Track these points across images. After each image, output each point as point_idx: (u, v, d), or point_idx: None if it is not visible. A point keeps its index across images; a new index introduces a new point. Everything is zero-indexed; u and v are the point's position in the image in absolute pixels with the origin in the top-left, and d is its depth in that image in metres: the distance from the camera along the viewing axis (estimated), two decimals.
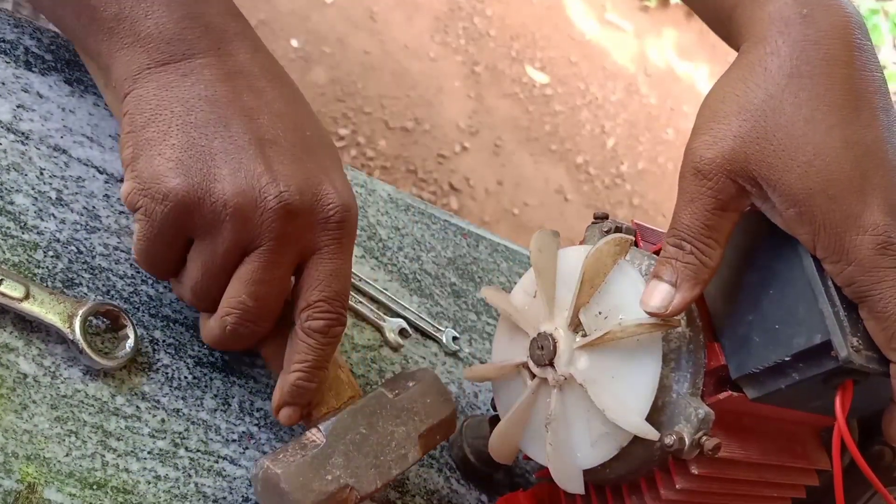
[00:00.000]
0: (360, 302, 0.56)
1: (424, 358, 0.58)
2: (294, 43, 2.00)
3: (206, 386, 0.46)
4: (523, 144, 2.28)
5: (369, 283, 0.58)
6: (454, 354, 0.60)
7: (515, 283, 0.50)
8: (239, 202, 0.40)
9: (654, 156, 2.57)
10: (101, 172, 0.49)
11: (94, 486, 0.41)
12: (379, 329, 0.57)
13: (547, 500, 0.51)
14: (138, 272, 0.47)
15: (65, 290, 0.44)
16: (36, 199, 0.46)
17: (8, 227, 0.44)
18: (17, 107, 0.48)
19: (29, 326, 0.42)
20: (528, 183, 2.21)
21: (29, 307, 0.41)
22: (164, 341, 0.46)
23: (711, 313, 0.44)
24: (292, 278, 0.44)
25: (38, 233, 0.45)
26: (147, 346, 0.45)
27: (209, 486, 0.44)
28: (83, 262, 0.46)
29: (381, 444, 0.44)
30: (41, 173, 0.47)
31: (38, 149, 0.47)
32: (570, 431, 0.44)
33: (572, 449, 0.44)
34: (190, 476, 0.44)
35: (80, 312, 0.42)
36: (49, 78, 0.50)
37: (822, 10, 0.39)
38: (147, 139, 0.41)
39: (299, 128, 0.44)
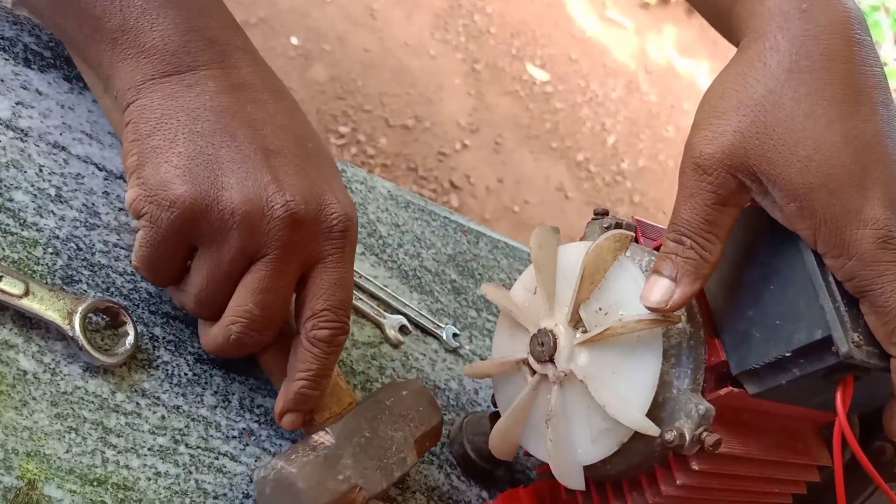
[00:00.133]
0: (360, 299, 0.56)
1: (425, 355, 0.58)
2: (294, 40, 2.00)
3: (206, 383, 0.46)
4: (524, 142, 2.28)
5: (369, 280, 0.58)
6: (454, 351, 0.60)
7: (515, 280, 0.50)
8: (247, 210, 0.41)
9: (654, 153, 2.57)
10: (100, 169, 0.49)
11: (95, 483, 0.41)
12: (379, 326, 0.56)
13: (547, 496, 0.51)
14: None
15: (64, 286, 0.44)
16: (35, 195, 0.46)
17: (7, 224, 0.44)
18: (17, 104, 0.48)
19: (28, 323, 0.42)
20: (528, 180, 2.21)
21: (28, 304, 0.41)
22: (163, 338, 0.46)
23: (712, 309, 0.44)
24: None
25: (37, 229, 0.45)
26: (147, 343, 0.45)
27: (209, 483, 0.44)
28: (83, 259, 0.45)
29: (384, 447, 0.45)
30: (40, 170, 0.46)
31: (38, 146, 0.47)
32: (570, 428, 0.44)
33: (573, 445, 0.44)
34: (190, 473, 0.44)
35: (80, 309, 0.42)
36: (48, 75, 0.49)
37: (821, 5, 0.39)
38: (153, 147, 0.41)
39: (301, 139, 0.45)
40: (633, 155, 2.51)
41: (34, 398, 0.41)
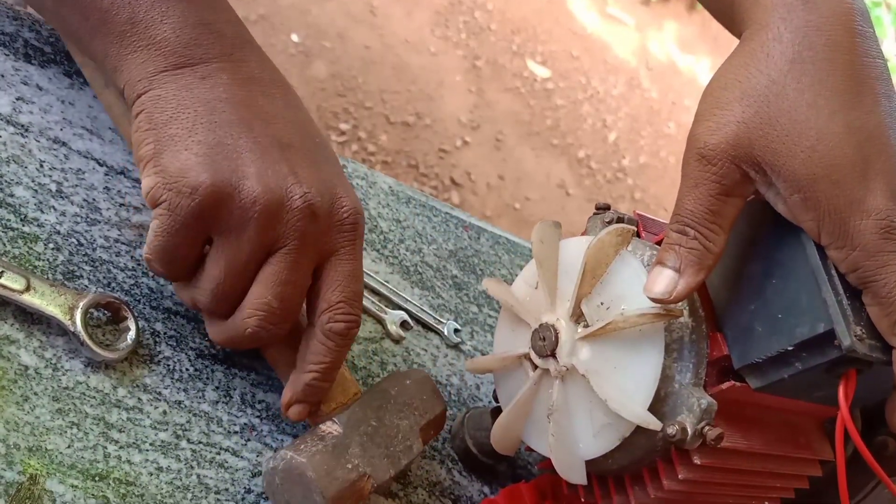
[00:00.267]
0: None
1: (426, 350, 0.58)
2: (294, 37, 2.00)
3: (207, 378, 0.46)
4: (525, 139, 2.27)
5: (371, 276, 0.57)
6: (456, 346, 0.60)
7: (517, 276, 0.50)
8: (268, 199, 0.40)
9: (655, 150, 2.57)
10: (100, 165, 0.49)
11: (97, 478, 0.41)
12: (380, 321, 0.56)
13: (549, 491, 0.51)
14: (139, 264, 0.47)
15: (65, 282, 0.44)
16: (36, 191, 0.46)
17: (8, 220, 0.44)
18: (17, 99, 0.48)
19: (30, 319, 0.42)
20: (529, 177, 2.21)
21: (30, 299, 0.41)
22: (165, 333, 0.46)
23: (714, 303, 0.44)
24: None
25: (38, 225, 0.45)
26: (148, 339, 0.45)
27: (211, 478, 0.44)
28: (84, 255, 0.45)
29: (390, 435, 0.45)
30: (41, 165, 0.46)
31: (38, 141, 0.47)
32: (572, 422, 0.44)
33: (575, 440, 0.44)
34: (192, 468, 0.44)
35: (81, 304, 0.42)
36: (48, 70, 0.49)
37: None
38: (170, 135, 0.40)
39: (309, 134, 0.45)
40: (635, 152, 2.51)
41: (36, 393, 0.41)
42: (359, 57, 2.07)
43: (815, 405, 0.45)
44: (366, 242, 0.59)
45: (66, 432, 0.41)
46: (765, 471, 0.46)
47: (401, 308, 0.58)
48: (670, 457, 0.43)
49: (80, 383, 0.42)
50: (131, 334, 0.44)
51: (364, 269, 0.57)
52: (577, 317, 0.44)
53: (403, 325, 0.57)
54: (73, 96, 0.49)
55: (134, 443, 0.42)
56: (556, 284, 0.45)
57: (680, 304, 0.41)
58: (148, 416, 0.43)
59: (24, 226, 0.44)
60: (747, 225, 0.42)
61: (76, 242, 0.45)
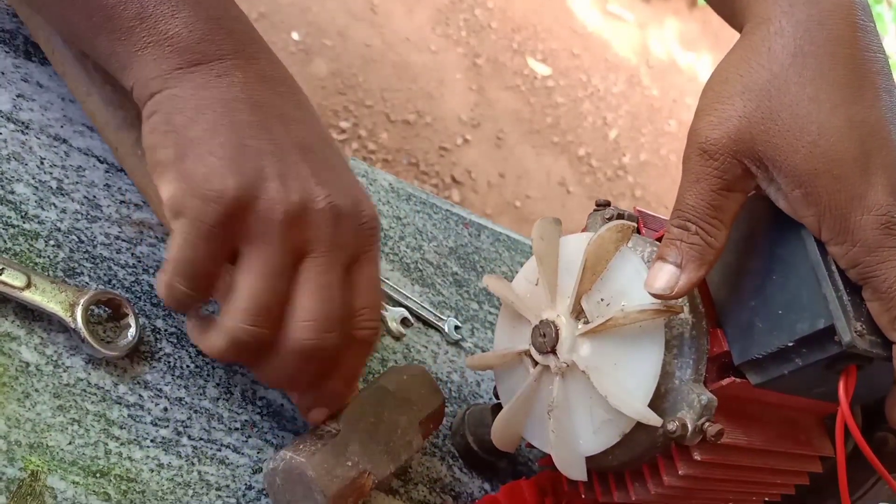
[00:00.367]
0: None
1: (426, 347, 0.58)
2: (294, 35, 2.00)
3: (208, 375, 0.46)
4: (525, 137, 2.27)
5: None
6: (456, 343, 0.60)
7: (517, 273, 0.50)
8: (293, 201, 0.39)
9: (656, 147, 2.56)
10: (101, 162, 0.49)
11: (98, 474, 0.41)
12: (381, 318, 0.56)
13: (550, 487, 0.51)
14: (140, 261, 0.47)
15: (66, 279, 0.44)
16: (37, 188, 0.46)
17: (9, 217, 0.44)
18: (17, 96, 0.48)
19: (31, 315, 0.42)
20: (530, 175, 2.21)
21: (30, 296, 0.41)
22: (166, 330, 0.46)
23: (714, 299, 0.44)
24: None
25: (39, 222, 0.45)
26: (149, 335, 0.45)
27: (212, 475, 0.44)
28: (84, 252, 0.45)
29: (389, 431, 0.45)
30: (42, 163, 0.46)
31: (39, 138, 0.47)
32: (572, 418, 0.44)
33: (575, 436, 0.44)
34: (193, 464, 0.44)
35: (82, 301, 0.42)
36: (49, 67, 0.49)
37: None
38: (192, 139, 0.39)
39: (323, 137, 0.44)
40: (635, 149, 2.51)
41: (37, 390, 0.41)
42: (359, 55, 2.07)
43: (815, 401, 0.45)
44: None
45: (67, 429, 0.41)
46: (765, 467, 0.46)
47: (401, 305, 0.58)
48: (670, 453, 0.43)
49: (81, 380, 0.42)
50: (132, 331, 0.44)
51: None
52: (578, 313, 0.44)
53: (404, 322, 0.57)
54: None
55: (135, 439, 0.42)
56: (556, 281, 0.45)
57: (680, 300, 0.41)
58: (149, 413, 0.43)
59: (24, 223, 0.44)
60: (747, 221, 0.42)
61: (77, 239, 0.46)
